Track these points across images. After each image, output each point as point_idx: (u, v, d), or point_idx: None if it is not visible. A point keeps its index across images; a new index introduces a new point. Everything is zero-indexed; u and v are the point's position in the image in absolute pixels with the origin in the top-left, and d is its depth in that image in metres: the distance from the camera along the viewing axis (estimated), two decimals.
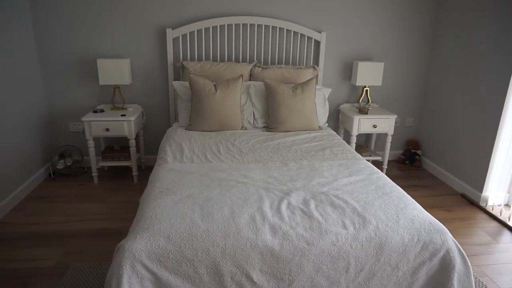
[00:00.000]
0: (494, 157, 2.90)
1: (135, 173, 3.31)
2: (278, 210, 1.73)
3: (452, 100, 3.41)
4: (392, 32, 3.58)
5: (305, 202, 1.82)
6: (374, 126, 3.37)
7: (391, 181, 2.11)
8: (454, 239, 1.68)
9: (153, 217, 1.64)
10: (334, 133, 3.00)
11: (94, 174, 3.26)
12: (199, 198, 1.81)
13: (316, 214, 1.71)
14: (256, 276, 1.54)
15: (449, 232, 1.70)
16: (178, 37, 3.30)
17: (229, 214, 1.67)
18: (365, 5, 3.46)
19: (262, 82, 3.12)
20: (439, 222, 1.74)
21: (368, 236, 1.62)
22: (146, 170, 3.54)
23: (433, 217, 1.77)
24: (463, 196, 3.20)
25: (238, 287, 1.54)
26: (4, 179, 2.76)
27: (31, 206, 2.87)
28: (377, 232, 1.63)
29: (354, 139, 3.41)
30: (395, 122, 3.82)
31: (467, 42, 3.18)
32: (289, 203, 1.79)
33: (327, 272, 1.58)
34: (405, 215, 1.74)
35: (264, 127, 3.11)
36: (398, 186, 2.05)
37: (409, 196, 1.95)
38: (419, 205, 1.86)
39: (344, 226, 1.65)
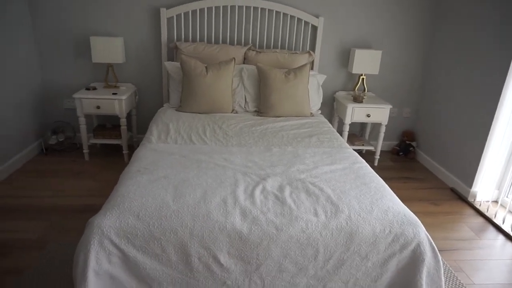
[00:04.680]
0: (486, 153, 2.85)
1: (125, 151, 3.32)
2: (251, 195, 1.73)
3: (449, 93, 3.34)
4: (392, 20, 3.48)
5: (280, 188, 1.81)
6: (368, 116, 3.32)
7: (372, 171, 2.09)
8: (426, 233, 1.67)
9: (125, 195, 1.65)
10: (325, 120, 2.97)
11: (85, 151, 3.28)
12: (174, 179, 1.81)
13: (289, 200, 1.71)
14: (223, 258, 1.55)
15: (422, 225, 1.68)
16: (173, 17, 3.25)
17: (201, 196, 1.67)
18: None
19: (255, 66, 3.08)
20: (413, 215, 1.72)
21: (338, 225, 1.61)
22: None
23: (408, 210, 1.75)
24: (453, 190, 3.17)
25: (205, 268, 1.56)
26: None
27: (20, 179, 2.90)
28: (348, 222, 1.63)
29: (347, 128, 3.38)
30: (392, 112, 3.77)
31: (468, 33, 3.09)
32: (263, 188, 1.79)
33: (295, 258, 1.58)
34: (379, 206, 1.73)
35: (255, 111, 3.08)
36: (379, 177, 2.03)
37: (388, 188, 1.93)
38: (396, 197, 1.84)
39: (316, 214, 1.64)
